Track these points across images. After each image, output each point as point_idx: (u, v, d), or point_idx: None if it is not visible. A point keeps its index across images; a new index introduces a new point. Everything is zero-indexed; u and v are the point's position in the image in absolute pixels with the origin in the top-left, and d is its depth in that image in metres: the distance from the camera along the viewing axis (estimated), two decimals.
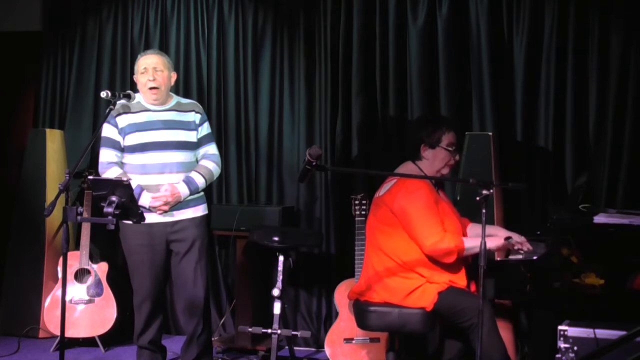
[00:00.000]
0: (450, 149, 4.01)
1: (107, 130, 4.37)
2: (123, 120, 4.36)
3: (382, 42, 5.25)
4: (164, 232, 4.35)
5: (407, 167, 4.06)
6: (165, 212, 4.29)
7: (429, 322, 3.89)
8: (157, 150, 4.34)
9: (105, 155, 4.37)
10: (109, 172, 4.32)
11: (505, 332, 4.48)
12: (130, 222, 3.92)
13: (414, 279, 3.89)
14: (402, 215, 3.88)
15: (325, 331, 5.13)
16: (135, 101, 4.33)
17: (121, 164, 4.37)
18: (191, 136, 4.42)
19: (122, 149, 4.37)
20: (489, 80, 5.02)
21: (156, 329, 4.47)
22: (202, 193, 4.47)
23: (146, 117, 4.38)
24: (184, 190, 4.32)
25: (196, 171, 4.39)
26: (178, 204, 4.33)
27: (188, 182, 4.34)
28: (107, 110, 3.97)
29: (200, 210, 4.45)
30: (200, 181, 4.38)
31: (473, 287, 3.96)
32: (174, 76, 4.49)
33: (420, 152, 4.01)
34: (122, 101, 4.12)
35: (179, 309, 4.54)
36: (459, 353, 4.08)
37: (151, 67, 4.36)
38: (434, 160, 4.01)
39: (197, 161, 4.46)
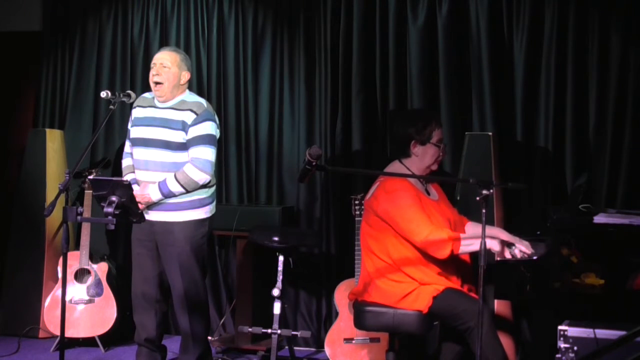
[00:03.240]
0: (439, 145, 3.99)
1: (129, 122, 4.55)
2: (134, 113, 4.49)
3: (382, 42, 5.25)
4: (150, 230, 4.37)
5: (394, 167, 4.03)
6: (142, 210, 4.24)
7: (424, 323, 3.85)
8: (142, 146, 4.38)
9: (126, 145, 4.57)
10: (123, 162, 4.58)
11: (505, 332, 4.48)
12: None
13: (406, 282, 3.85)
14: (388, 217, 3.85)
15: (325, 331, 5.13)
16: (151, 96, 4.46)
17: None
18: (177, 136, 4.31)
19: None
20: (489, 80, 5.02)
21: (152, 327, 4.47)
22: (196, 196, 4.35)
23: (148, 112, 4.42)
24: (154, 193, 4.28)
25: (174, 175, 4.28)
26: (160, 205, 4.31)
27: (161, 185, 4.28)
28: (108, 110, 3.98)
29: (189, 215, 4.36)
30: (174, 187, 4.26)
31: (467, 289, 3.93)
32: (185, 75, 4.41)
33: (410, 149, 3.96)
34: (144, 94, 4.43)
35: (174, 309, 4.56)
36: (458, 355, 4.06)
37: (158, 63, 4.38)
38: (424, 156, 3.97)
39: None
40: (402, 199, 3.83)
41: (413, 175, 3.95)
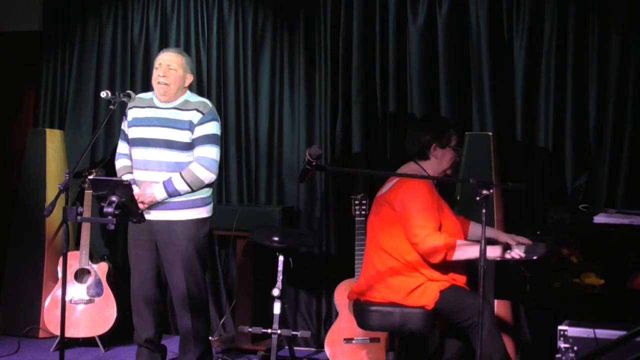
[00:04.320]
0: (457, 149, 4.09)
1: (123, 123, 4.54)
2: (131, 114, 4.46)
3: (382, 42, 5.25)
4: (150, 229, 4.36)
5: (410, 167, 4.08)
6: (143, 210, 4.24)
7: (429, 322, 3.89)
8: (142, 146, 4.37)
9: (119, 146, 4.57)
10: (117, 163, 4.55)
11: (505, 332, 4.49)
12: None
13: (415, 277, 3.90)
14: (401, 210, 3.89)
15: (325, 331, 5.13)
16: (149, 97, 4.44)
17: (131, 156, 4.47)
18: (183, 136, 4.32)
19: (129, 141, 4.48)
20: (489, 80, 5.02)
21: (152, 327, 4.47)
22: (198, 195, 4.37)
23: (148, 113, 4.41)
24: (159, 192, 4.28)
25: (180, 174, 4.29)
26: (161, 204, 4.31)
27: (167, 184, 4.28)
28: (108, 110, 3.98)
29: (191, 214, 4.37)
30: (180, 185, 4.28)
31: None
32: (189, 78, 4.43)
33: (430, 152, 4.04)
34: (140, 95, 4.42)
35: (174, 309, 4.56)
36: (459, 352, 4.08)
37: (165, 64, 4.38)
38: (443, 160, 4.05)
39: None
40: (420, 198, 3.89)
41: (415, 176, 3.96)
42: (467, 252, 3.79)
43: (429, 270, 3.89)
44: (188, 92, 4.47)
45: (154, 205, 4.31)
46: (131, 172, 4.45)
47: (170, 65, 4.37)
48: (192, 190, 4.32)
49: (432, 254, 3.81)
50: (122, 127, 4.55)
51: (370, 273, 4.02)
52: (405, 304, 3.89)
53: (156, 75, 4.39)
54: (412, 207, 3.87)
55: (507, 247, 3.81)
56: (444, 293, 3.85)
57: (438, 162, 4.05)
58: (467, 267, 3.97)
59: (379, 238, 3.99)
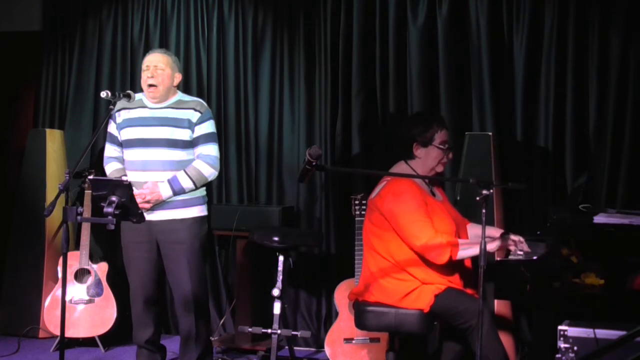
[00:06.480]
0: (442, 147, 3.99)
1: (110, 126, 4.50)
2: (121, 116, 4.44)
3: (382, 42, 5.25)
4: (152, 230, 4.35)
5: (400, 168, 4.05)
6: (147, 210, 4.25)
7: (426, 323, 3.86)
8: (140, 147, 4.36)
9: (107, 149, 4.52)
10: (108, 167, 4.50)
11: (505, 332, 4.48)
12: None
13: (408, 281, 3.87)
14: (391, 217, 3.87)
15: (325, 331, 5.14)
16: (138, 98, 4.40)
17: (122, 159, 4.45)
18: (182, 134, 4.33)
19: (121, 144, 4.44)
20: (489, 80, 5.02)
21: (152, 328, 4.47)
22: (198, 193, 4.40)
23: (140, 113, 4.40)
24: (165, 191, 4.28)
25: (184, 172, 4.31)
26: (164, 204, 4.31)
27: (172, 182, 4.28)
28: (108, 110, 3.99)
29: (194, 212, 4.39)
30: (186, 183, 4.29)
31: (470, 291, 3.94)
32: (178, 77, 4.44)
33: (412, 151, 3.99)
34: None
35: (175, 309, 4.55)
36: (458, 355, 4.07)
37: (152, 65, 4.37)
38: (427, 158, 3.99)
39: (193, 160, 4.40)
40: (408, 202, 3.84)
41: (414, 175, 3.95)
42: (470, 248, 3.77)
43: (421, 272, 3.85)
44: (179, 92, 4.48)
45: (156, 205, 4.31)
46: (125, 175, 4.43)
47: (157, 65, 4.37)
48: (196, 188, 4.35)
49: (437, 256, 3.77)
50: (109, 129, 4.50)
51: (366, 274, 4.03)
52: (400, 307, 3.88)
53: (145, 77, 4.38)
54: (402, 214, 3.82)
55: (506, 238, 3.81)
56: (439, 297, 3.81)
57: (423, 161, 3.99)
58: (461, 271, 3.96)
59: (372, 241, 3.98)
